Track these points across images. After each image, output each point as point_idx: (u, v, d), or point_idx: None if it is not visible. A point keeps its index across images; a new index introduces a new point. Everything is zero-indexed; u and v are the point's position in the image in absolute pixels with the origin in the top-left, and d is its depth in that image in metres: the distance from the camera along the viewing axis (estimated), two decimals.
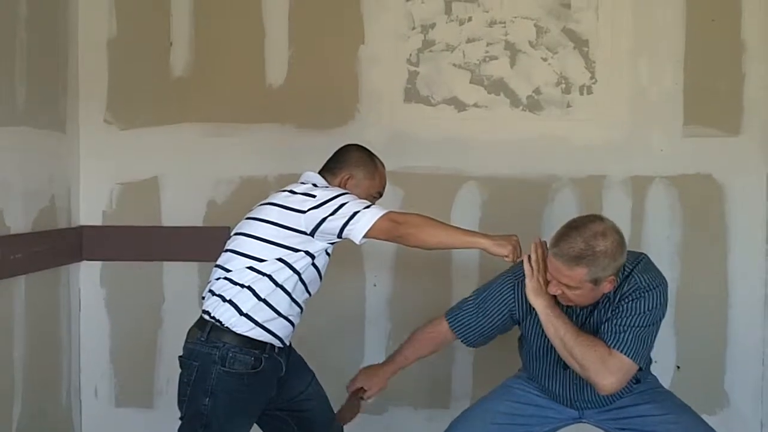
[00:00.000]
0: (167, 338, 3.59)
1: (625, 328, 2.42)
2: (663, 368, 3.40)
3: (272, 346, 2.57)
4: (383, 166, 2.79)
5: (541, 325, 2.48)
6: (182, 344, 2.62)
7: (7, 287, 3.11)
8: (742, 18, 3.32)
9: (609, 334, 2.43)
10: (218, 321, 2.53)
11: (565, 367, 2.53)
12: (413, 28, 3.50)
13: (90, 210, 3.64)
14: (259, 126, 3.57)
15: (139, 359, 3.65)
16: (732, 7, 3.33)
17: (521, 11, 3.41)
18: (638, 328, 2.42)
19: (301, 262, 2.53)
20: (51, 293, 3.47)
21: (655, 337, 2.49)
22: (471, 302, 2.74)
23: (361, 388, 2.83)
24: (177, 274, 3.61)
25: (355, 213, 2.46)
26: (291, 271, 2.53)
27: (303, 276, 2.55)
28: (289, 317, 2.58)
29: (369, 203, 2.53)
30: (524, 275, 2.46)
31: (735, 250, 3.37)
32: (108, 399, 3.68)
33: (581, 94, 3.42)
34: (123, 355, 3.68)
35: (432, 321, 2.82)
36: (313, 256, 2.54)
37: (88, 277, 3.66)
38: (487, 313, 2.68)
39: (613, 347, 2.40)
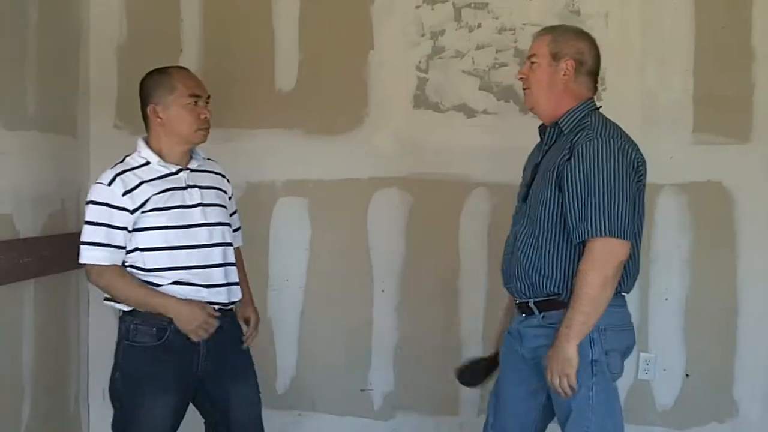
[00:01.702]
0: None
1: (581, 210, 2.35)
2: (672, 376, 3.40)
3: None
4: (182, 68, 2.73)
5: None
6: None
7: (17, 291, 3.13)
8: (752, 25, 3.30)
9: (573, 227, 2.37)
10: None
11: (510, 251, 2.57)
12: (423, 35, 3.50)
13: None
14: (268, 131, 3.58)
15: None
16: (742, 14, 3.31)
17: (531, 18, 3.40)
18: (600, 201, 2.34)
19: (132, 241, 2.56)
20: (60, 297, 3.48)
21: (627, 202, 2.36)
22: None
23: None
24: None
25: (80, 242, 2.57)
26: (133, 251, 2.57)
27: (142, 246, 2.56)
28: (180, 281, 2.56)
29: (92, 241, 2.54)
30: None
31: (745, 257, 3.34)
32: None
33: None
34: None
35: None
36: (137, 229, 2.56)
37: None
38: None
39: (587, 238, 2.35)
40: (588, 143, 2.39)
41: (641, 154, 2.48)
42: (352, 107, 3.53)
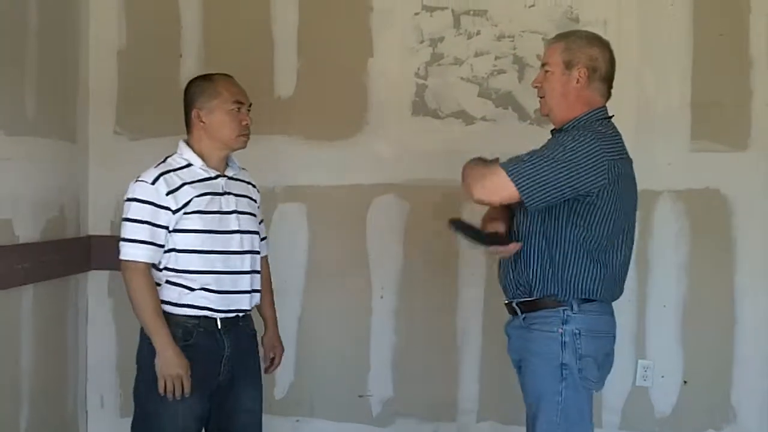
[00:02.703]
0: None
1: (522, 156, 2.42)
2: (670, 382, 3.41)
3: (207, 318, 2.58)
4: (226, 75, 2.74)
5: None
6: None
7: (16, 296, 3.13)
8: (749, 33, 3.32)
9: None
10: None
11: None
12: (422, 42, 3.52)
13: (98, 220, 3.66)
14: (267, 137, 3.56)
15: None
16: (740, 22, 3.33)
17: (529, 25, 3.42)
18: (534, 157, 2.39)
19: (169, 242, 2.57)
20: (59, 302, 3.48)
21: (557, 176, 2.35)
22: None
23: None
24: None
25: (120, 239, 2.57)
26: (169, 252, 2.58)
27: (179, 247, 2.57)
28: (205, 287, 2.57)
29: (135, 238, 2.53)
30: None
31: (742, 265, 3.35)
32: (114, 409, 3.69)
33: None
34: (129, 366, 3.63)
35: None
36: (176, 230, 2.56)
37: (95, 286, 3.67)
38: None
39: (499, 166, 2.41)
40: (574, 133, 2.43)
41: (620, 169, 2.44)
42: (351, 114, 3.54)
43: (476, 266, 3.47)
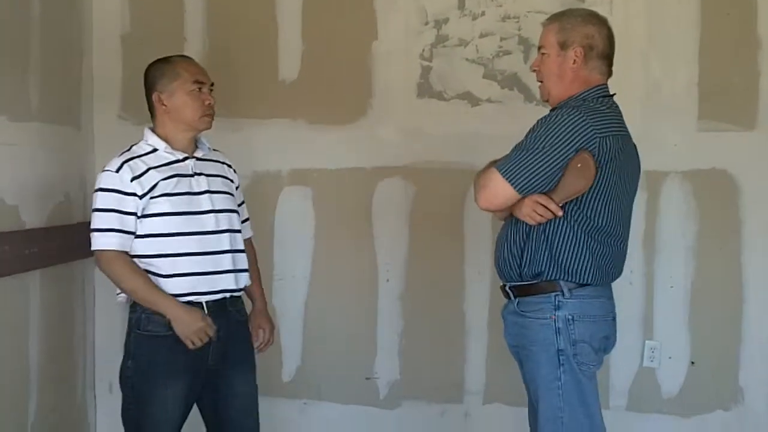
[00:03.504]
0: None
1: (513, 149, 2.45)
2: (678, 363, 3.40)
3: (192, 303, 2.57)
4: (185, 56, 2.78)
5: None
6: None
7: (23, 282, 3.14)
8: (758, 12, 3.28)
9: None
10: None
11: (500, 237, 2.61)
12: (426, 23, 3.50)
13: None
14: (272, 121, 3.58)
15: None
16: (747, 1, 3.29)
17: (535, 5, 3.39)
18: (521, 151, 2.41)
19: (140, 227, 2.58)
20: (66, 288, 3.49)
21: (547, 163, 2.38)
22: None
23: None
24: None
25: (91, 230, 2.58)
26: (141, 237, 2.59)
27: (150, 232, 2.57)
28: (185, 272, 2.58)
29: (104, 227, 2.55)
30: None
31: (750, 245, 3.34)
32: None
33: None
34: None
35: None
36: (145, 215, 2.57)
37: None
38: None
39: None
40: (562, 111, 2.41)
41: (612, 146, 2.40)
42: (355, 97, 3.53)
43: (483, 249, 3.46)
